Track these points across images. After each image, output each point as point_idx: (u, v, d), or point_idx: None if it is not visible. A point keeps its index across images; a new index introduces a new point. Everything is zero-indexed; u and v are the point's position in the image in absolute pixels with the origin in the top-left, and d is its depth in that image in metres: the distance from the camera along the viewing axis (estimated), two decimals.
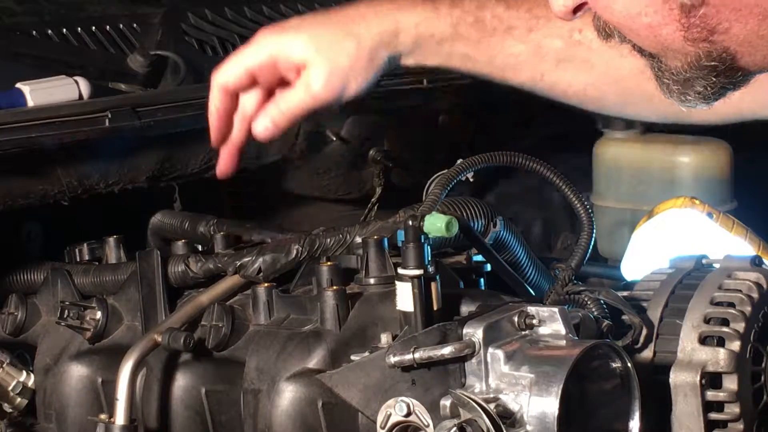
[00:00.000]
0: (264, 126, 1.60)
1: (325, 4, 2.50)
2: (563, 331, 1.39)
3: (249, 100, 1.63)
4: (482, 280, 1.76)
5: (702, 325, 1.51)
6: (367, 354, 1.40)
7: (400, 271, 1.44)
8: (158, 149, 1.95)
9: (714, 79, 1.21)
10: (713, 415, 1.49)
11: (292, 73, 1.57)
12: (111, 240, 1.85)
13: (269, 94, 1.63)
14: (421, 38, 1.57)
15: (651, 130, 2.45)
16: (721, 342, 1.50)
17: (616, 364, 1.40)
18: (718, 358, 1.48)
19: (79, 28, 2.07)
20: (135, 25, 2.14)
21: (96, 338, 1.69)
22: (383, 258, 1.58)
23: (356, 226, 1.71)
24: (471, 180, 2.17)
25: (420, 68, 1.65)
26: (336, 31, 1.56)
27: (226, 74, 1.60)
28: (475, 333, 1.36)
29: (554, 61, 1.54)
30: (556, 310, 1.40)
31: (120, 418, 1.53)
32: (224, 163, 1.68)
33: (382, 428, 1.36)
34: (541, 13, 1.55)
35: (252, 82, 1.61)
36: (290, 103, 1.58)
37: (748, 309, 1.52)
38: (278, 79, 1.60)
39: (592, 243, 1.72)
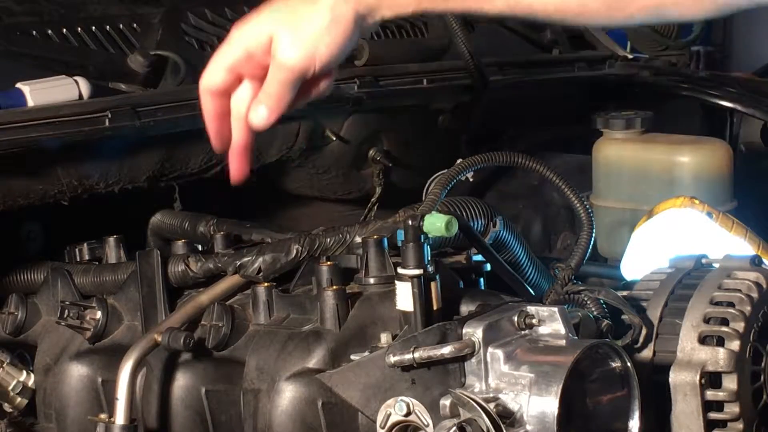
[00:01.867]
0: (258, 115, 1.56)
1: None
2: (563, 331, 1.39)
3: (241, 97, 1.60)
4: (482, 280, 1.76)
5: (701, 324, 1.51)
6: (366, 354, 1.40)
7: (400, 270, 1.44)
8: (158, 149, 1.95)
9: None
10: (713, 415, 1.49)
11: (268, 55, 1.56)
12: (111, 240, 1.85)
13: (260, 85, 1.61)
14: None
15: (651, 130, 2.46)
16: (720, 341, 1.50)
17: (616, 364, 1.40)
18: (718, 357, 1.48)
19: (79, 28, 2.07)
20: (135, 25, 2.14)
21: (96, 338, 1.69)
22: (383, 258, 1.58)
23: (356, 226, 1.71)
24: (471, 180, 2.18)
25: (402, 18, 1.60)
26: (294, 1, 1.54)
27: (209, 77, 1.58)
28: (474, 332, 1.36)
29: None
30: (555, 309, 1.40)
31: (120, 417, 1.53)
32: (235, 168, 1.64)
33: (382, 428, 1.36)
34: None
35: (237, 79, 1.58)
36: (272, 83, 1.54)
37: (747, 309, 1.52)
38: (262, 68, 1.56)
39: (592, 243, 1.73)
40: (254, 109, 1.55)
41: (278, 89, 1.53)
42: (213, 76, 1.56)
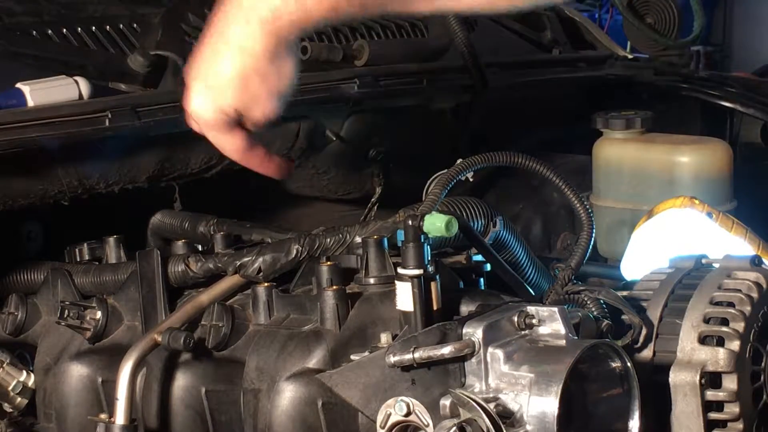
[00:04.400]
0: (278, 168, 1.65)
1: None
2: (563, 331, 1.39)
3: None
4: (482, 280, 1.76)
5: (701, 324, 1.51)
6: (367, 354, 1.40)
7: (400, 270, 1.44)
8: (158, 149, 1.95)
9: None
10: (713, 415, 1.49)
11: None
12: (111, 240, 1.85)
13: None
14: (303, 27, 1.52)
15: (651, 130, 2.46)
16: (720, 342, 1.50)
17: (616, 364, 1.40)
18: (718, 357, 1.48)
19: (79, 28, 2.07)
20: (135, 25, 2.14)
21: (96, 338, 1.70)
22: (383, 258, 1.58)
23: (356, 226, 1.71)
24: (471, 180, 2.18)
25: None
26: (235, 69, 1.52)
27: (229, 146, 1.61)
28: (474, 333, 1.36)
29: None
30: (555, 309, 1.40)
31: (120, 417, 1.53)
32: (276, 174, 1.70)
33: (382, 428, 1.36)
34: None
35: (229, 119, 1.60)
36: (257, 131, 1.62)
37: (747, 309, 1.52)
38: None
39: (592, 243, 1.73)
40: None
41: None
42: (227, 143, 1.60)
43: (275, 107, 1.57)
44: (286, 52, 1.54)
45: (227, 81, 1.54)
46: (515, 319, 1.40)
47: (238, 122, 1.59)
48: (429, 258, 1.45)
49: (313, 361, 1.50)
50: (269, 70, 1.54)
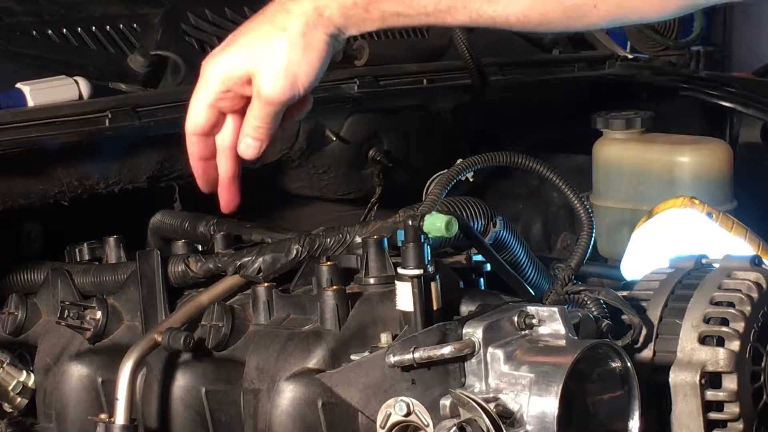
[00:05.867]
0: (246, 145, 1.57)
1: None
2: (563, 331, 1.39)
3: (225, 132, 1.60)
4: (482, 280, 1.76)
5: (702, 324, 1.51)
6: (367, 354, 1.40)
7: (400, 270, 1.44)
8: (158, 149, 1.96)
9: None
10: (713, 415, 1.49)
11: (246, 87, 1.55)
12: (111, 240, 1.85)
13: (242, 117, 1.59)
14: (346, 9, 1.51)
15: (651, 130, 2.46)
16: (720, 342, 1.50)
17: (616, 364, 1.40)
18: (718, 357, 1.48)
19: (79, 28, 2.07)
20: (135, 25, 2.14)
21: (96, 338, 1.70)
22: (383, 258, 1.58)
23: (356, 226, 1.71)
24: (471, 180, 2.18)
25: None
26: (263, 31, 1.52)
27: (193, 118, 1.57)
28: (474, 333, 1.36)
29: None
30: (555, 309, 1.40)
31: (120, 417, 1.53)
32: (225, 200, 1.63)
33: (382, 428, 1.36)
34: None
35: (220, 114, 1.58)
36: (258, 116, 1.55)
37: (747, 309, 1.52)
38: (241, 99, 1.57)
39: (592, 243, 1.73)
40: (242, 141, 1.56)
41: (264, 122, 1.54)
42: (196, 116, 1.56)
43: (287, 88, 1.51)
44: (321, 34, 1.50)
45: (254, 34, 1.51)
46: (515, 319, 1.40)
47: (238, 98, 1.55)
48: (429, 258, 1.44)
49: (313, 361, 1.50)
50: (298, 41, 1.51)
